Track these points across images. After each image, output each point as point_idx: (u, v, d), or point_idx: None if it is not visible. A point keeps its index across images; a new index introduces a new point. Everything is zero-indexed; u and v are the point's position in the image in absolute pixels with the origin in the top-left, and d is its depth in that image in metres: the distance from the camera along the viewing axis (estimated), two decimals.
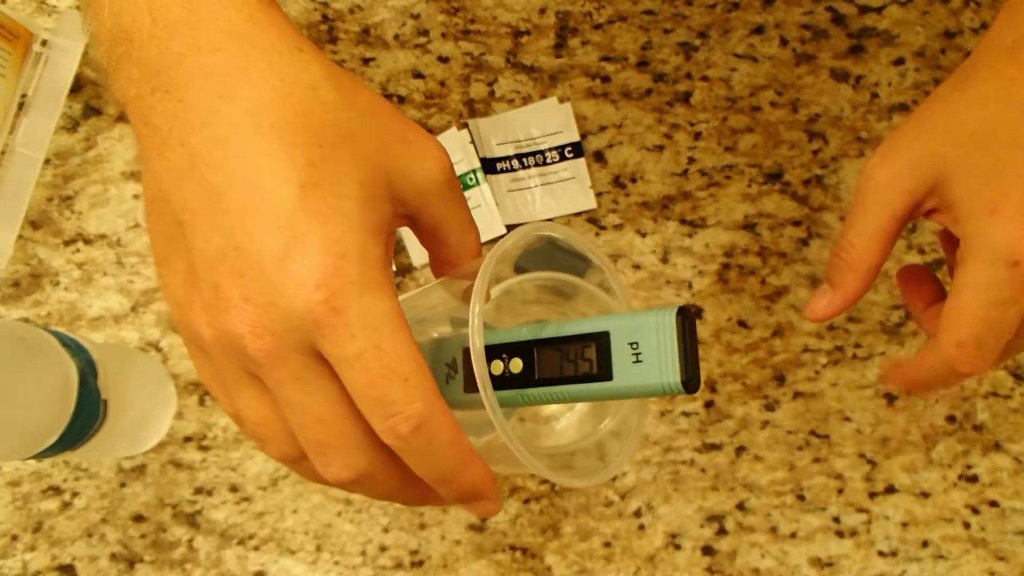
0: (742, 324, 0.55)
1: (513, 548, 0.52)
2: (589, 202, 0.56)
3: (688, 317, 0.26)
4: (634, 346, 0.26)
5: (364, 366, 0.24)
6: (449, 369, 0.30)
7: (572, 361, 0.27)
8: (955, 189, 0.31)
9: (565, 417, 0.52)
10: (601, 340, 0.27)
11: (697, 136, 0.57)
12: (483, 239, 0.55)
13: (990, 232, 0.29)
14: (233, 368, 0.26)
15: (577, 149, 0.57)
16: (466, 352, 0.29)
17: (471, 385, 0.27)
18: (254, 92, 0.24)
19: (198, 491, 0.53)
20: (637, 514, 0.53)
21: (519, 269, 0.55)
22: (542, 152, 0.57)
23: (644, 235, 0.56)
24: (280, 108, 0.24)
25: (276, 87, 0.25)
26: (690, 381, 0.26)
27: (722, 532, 0.53)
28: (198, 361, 0.28)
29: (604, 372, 0.27)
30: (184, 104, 0.24)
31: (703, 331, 0.55)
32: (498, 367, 0.29)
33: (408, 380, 0.24)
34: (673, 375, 0.26)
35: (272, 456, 0.28)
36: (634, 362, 0.26)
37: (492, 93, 0.58)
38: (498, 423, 0.26)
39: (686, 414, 0.54)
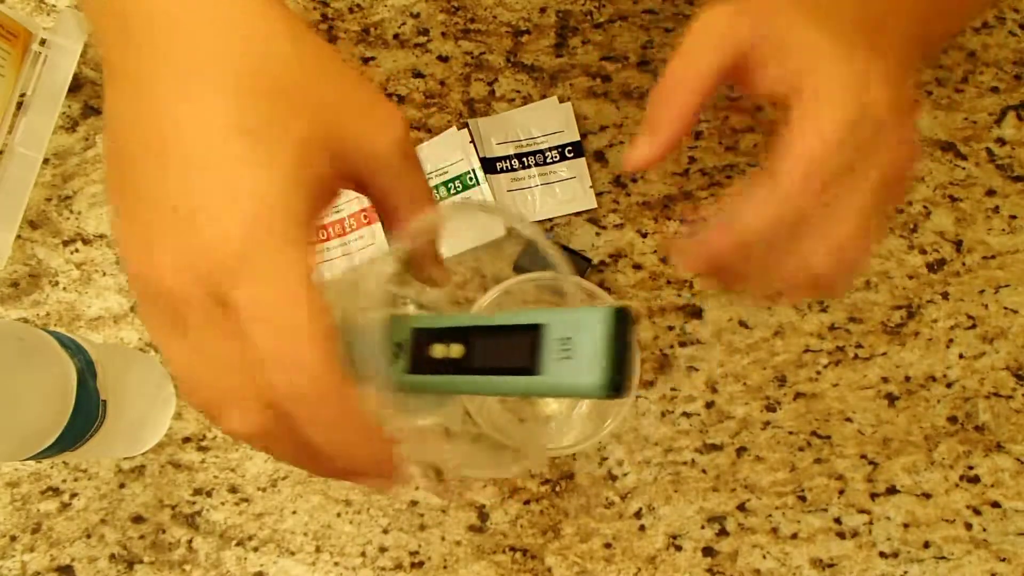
0: (743, 324, 0.55)
1: (513, 549, 0.52)
2: (589, 202, 0.56)
3: (624, 319, 0.25)
4: (566, 342, 0.25)
5: (264, 321, 0.24)
6: (398, 349, 0.29)
7: (505, 352, 0.26)
8: (793, 37, 0.30)
9: (567, 417, 0.52)
10: (535, 333, 0.26)
11: (698, 136, 0.57)
12: (483, 240, 0.55)
13: (839, 73, 0.29)
14: (159, 310, 0.25)
15: (577, 149, 0.57)
16: (413, 333, 0.28)
17: (416, 368, 0.27)
18: (215, 42, 0.25)
19: (197, 492, 0.53)
20: (638, 515, 0.53)
21: (518, 268, 0.54)
22: (542, 152, 0.57)
23: (645, 235, 0.56)
24: (239, 58, 0.25)
25: (237, 39, 0.25)
26: (612, 384, 0.24)
27: (723, 533, 0.53)
28: (140, 307, 0.27)
29: (533, 366, 0.26)
30: (151, 48, 0.25)
31: (704, 331, 0.55)
32: (440, 351, 0.28)
33: (303, 344, 0.24)
34: (595, 376, 0.24)
35: (193, 407, 0.27)
36: (563, 359, 0.25)
37: (492, 92, 0.57)
38: (383, 392, 0.25)
39: (687, 415, 0.54)
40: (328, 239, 0.56)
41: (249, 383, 0.24)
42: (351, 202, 0.56)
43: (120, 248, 0.27)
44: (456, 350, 0.27)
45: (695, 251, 0.30)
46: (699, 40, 0.31)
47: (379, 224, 0.55)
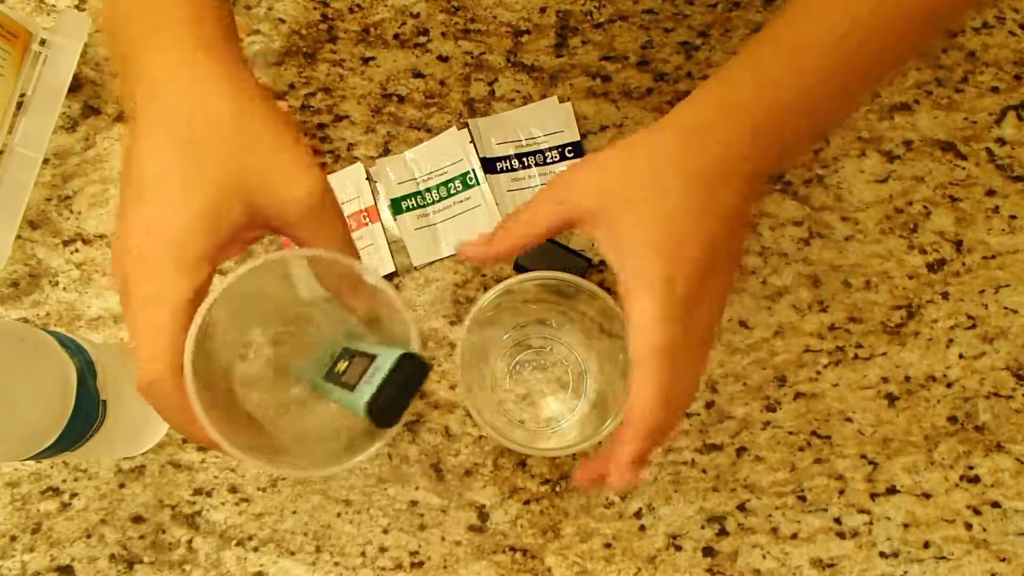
0: (743, 324, 0.55)
1: (513, 549, 0.52)
2: None
3: (409, 363, 0.31)
4: (377, 370, 0.31)
5: (132, 321, 0.31)
6: (331, 360, 0.35)
7: (356, 372, 0.32)
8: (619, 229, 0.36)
9: (566, 420, 0.52)
10: (370, 360, 0.32)
11: None
12: None
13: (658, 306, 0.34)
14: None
15: (577, 149, 0.57)
16: (343, 350, 0.35)
17: (327, 375, 0.34)
18: (172, 99, 0.32)
19: (197, 492, 0.53)
20: (638, 515, 0.53)
21: (519, 268, 0.54)
22: (542, 152, 0.57)
23: None
24: (184, 114, 0.32)
25: (188, 98, 0.32)
26: (373, 408, 0.30)
27: (723, 533, 0.53)
28: None
29: (355, 386, 0.31)
30: (140, 99, 0.33)
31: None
32: (341, 366, 0.34)
33: (149, 350, 0.30)
34: (365, 398, 0.30)
35: None
36: (365, 383, 0.31)
37: (492, 92, 0.57)
38: (196, 408, 0.30)
39: (687, 415, 0.54)
40: None
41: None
42: (351, 202, 0.56)
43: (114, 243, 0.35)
44: (342, 366, 0.33)
45: (616, 485, 0.36)
46: (545, 195, 0.37)
47: (379, 224, 0.56)
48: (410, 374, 0.31)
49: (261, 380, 0.36)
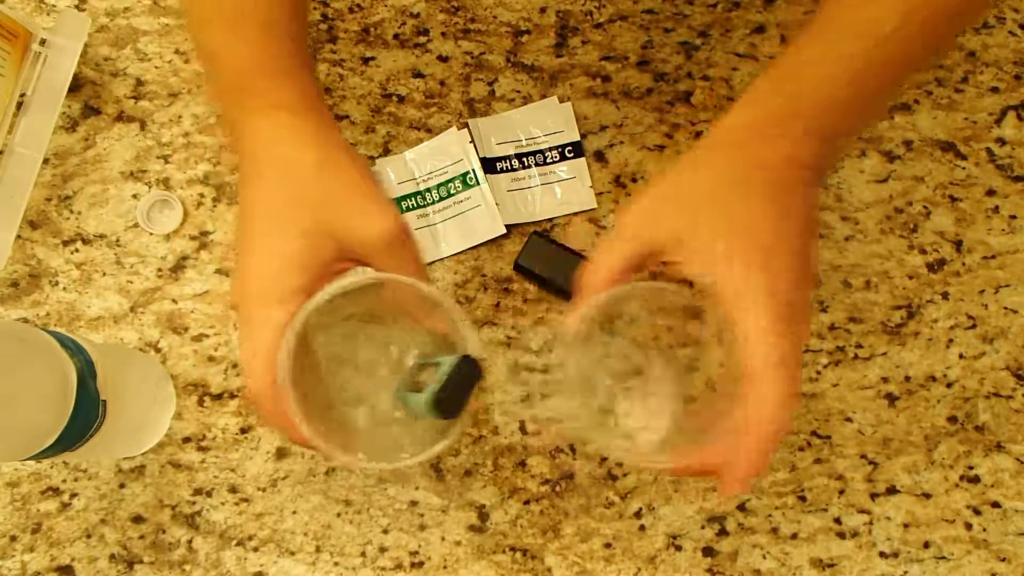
0: None
1: (513, 549, 0.52)
2: (590, 202, 0.56)
3: (465, 364, 0.36)
4: (439, 373, 0.36)
5: (241, 344, 0.37)
6: (415, 372, 0.40)
7: (423, 380, 0.37)
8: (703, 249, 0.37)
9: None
10: (434, 367, 0.37)
11: (698, 136, 0.57)
12: (482, 239, 0.55)
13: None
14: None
15: (577, 149, 0.57)
16: (417, 365, 0.40)
17: (409, 387, 0.38)
18: (271, 159, 0.38)
19: (197, 492, 0.53)
20: (638, 515, 0.53)
21: (519, 268, 0.54)
22: (542, 152, 0.57)
23: None
24: (278, 173, 0.38)
25: (283, 159, 0.38)
26: (439, 404, 0.35)
27: (723, 533, 0.53)
28: None
29: (421, 388, 0.36)
30: (246, 166, 0.39)
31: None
32: (421, 377, 0.38)
33: (252, 366, 0.36)
34: (428, 395, 0.35)
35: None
36: (431, 384, 0.35)
37: (492, 92, 0.57)
38: (292, 412, 0.35)
39: None
40: None
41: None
42: None
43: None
44: (415, 376, 0.38)
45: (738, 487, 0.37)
46: (615, 238, 0.39)
47: None
48: (467, 373, 0.36)
49: (350, 388, 0.40)
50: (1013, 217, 0.56)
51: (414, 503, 0.53)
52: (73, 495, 0.52)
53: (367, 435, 0.39)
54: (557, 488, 0.53)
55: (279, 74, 0.38)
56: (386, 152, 0.57)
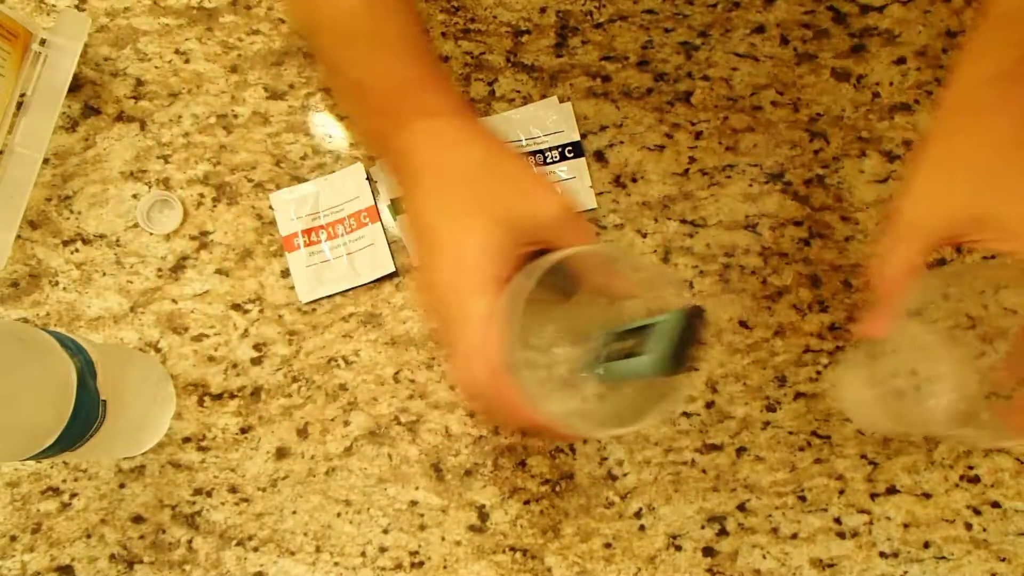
0: (743, 324, 0.55)
1: (513, 549, 0.52)
2: (590, 202, 0.56)
3: (690, 317, 0.36)
4: (659, 334, 0.36)
5: (454, 341, 0.37)
6: (602, 346, 0.41)
7: (636, 344, 0.37)
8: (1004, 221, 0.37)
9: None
10: (649, 328, 0.37)
11: (698, 136, 0.57)
12: None
13: None
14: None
15: (577, 149, 0.57)
16: (607, 335, 0.41)
17: (606, 358, 0.40)
18: (440, 164, 0.39)
19: (197, 492, 0.53)
20: (638, 515, 0.53)
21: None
22: (542, 151, 0.57)
23: (645, 235, 0.56)
24: (450, 174, 0.39)
25: (452, 161, 0.39)
26: (670, 360, 0.35)
27: (723, 533, 0.53)
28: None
29: (644, 351, 0.36)
30: (413, 172, 0.40)
31: (704, 331, 0.55)
32: (618, 346, 0.39)
33: (471, 358, 0.36)
34: (661, 354, 0.35)
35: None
36: (655, 343, 0.36)
37: (492, 92, 0.57)
38: (522, 384, 0.36)
39: (687, 415, 0.54)
40: (330, 238, 0.56)
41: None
42: (352, 202, 0.56)
43: (416, 286, 0.46)
44: (625, 345, 0.39)
45: None
46: (898, 234, 0.38)
47: (379, 224, 0.56)
48: (694, 324, 0.36)
49: (556, 368, 0.42)
50: None
51: (414, 503, 0.53)
52: (73, 495, 0.52)
53: (586, 405, 0.40)
54: (557, 488, 0.53)
55: (430, 84, 0.40)
56: None
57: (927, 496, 0.53)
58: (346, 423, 0.54)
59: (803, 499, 0.53)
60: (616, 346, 0.39)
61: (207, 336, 0.54)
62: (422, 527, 0.52)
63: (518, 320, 0.36)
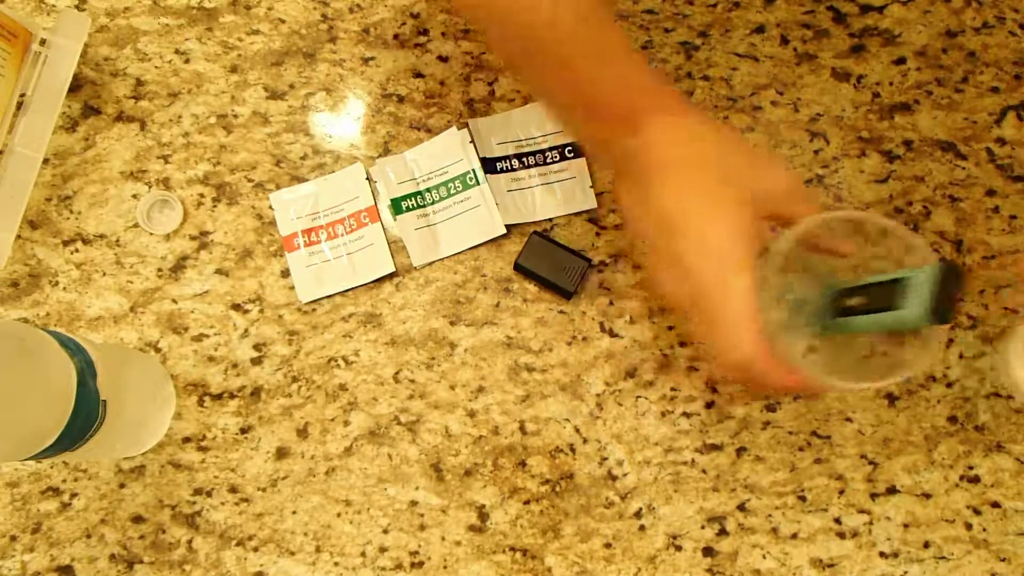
0: None
1: (513, 549, 0.52)
2: (589, 202, 0.56)
3: (948, 271, 0.38)
4: (916, 288, 0.39)
5: (714, 321, 0.40)
6: (829, 304, 0.45)
7: (883, 298, 0.41)
8: None
9: None
10: (898, 284, 0.40)
11: None
12: (482, 239, 0.55)
13: None
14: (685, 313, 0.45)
15: (577, 149, 0.57)
16: (837, 293, 0.45)
17: (837, 314, 0.44)
18: (681, 162, 0.42)
19: (197, 492, 0.53)
20: (638, 515, 0.53)
21: (519, 268, 0.54)
22: (542, 152, 0.57)
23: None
24: (693, 160, 0.42)
25: (693, 155, 0.42)
26: (934, 314, 0.38)
27: (723, 533, 0.53)
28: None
29: (895, 305, 0.40)
30: (657, 169, 0.42)
31: None
32: (850, 302, 0.43)
33: (733, 335, 0.39)
34: (923, 308, 0.38)
35: None
36: (913, 297, 0.39)
37: (492, 92, 0.57)
38: (788, 351, 0.40)
39: (687, 415, 0.54)
40: (330, 238, 0.56)
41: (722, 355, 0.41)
42: (352, 202, 0.56)
43: (652, 280, 0.47)
44: (858, 301, 0.43)
45: None
46: None
47: (379, 224, 0.56)
48: (952, 276, 0.38)
49: (808, 326, 0.46)
50: (1013, 217, 0.56)
51: (414, 503, 0.53)
52: (73, 495, 0.52)
53: (842, 362, 0.45)
54: (557, 488, 0.53)
55: (658, 88, 0.43)
56: (386, 152, 0.57)
57: (927, 496, 0.53)
58: (346, 423, 0.54)
59: (803, 499, 0.53)
60: (855, 301, 0.43)
61: (207, 336, 0.54)
62: (422, 527, 0.52)
63: (774, 284, 0.40)
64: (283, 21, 0.58)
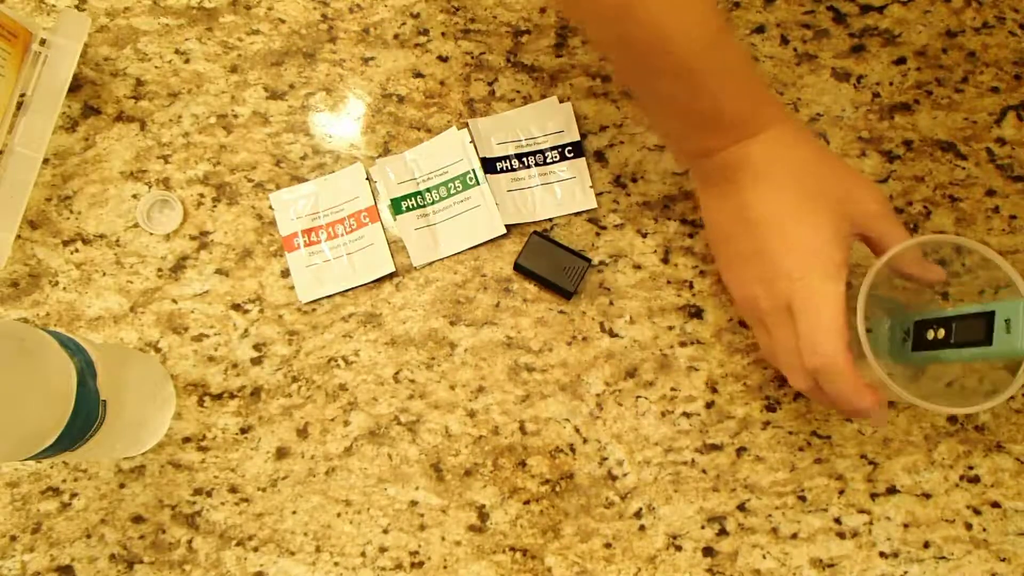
0: (743, 324, 0.55)
1: (513, 549, 0.52)
2: (590, 202, 0.56)
3: None
4: (1008, 322, 0.39)
5: (806, 322, 0.41)
6: (904, 335, 0.46)
7: (970, 331, 0.41)
8: None
9: None
10: (988, 317, 0.40)
11: None
12: (482, 239, 0.55)
13: None
14: (756, 318, 0.47)
15: (577, 149, 0.57)
16: (914, 324, 0.45)
17: (916, 346, 0.44)
18: (775, 165, 0.44)
19: (197, 492, 0.53)
20: (638, 515, 0.53)
21: (519, 268, 0.54)
22: (542, 152, 0.57)
23: (645, 235, 0.56)
24: (787, 173, 0.44)
25: (785, 162, 0.44)
26: None
27: (723, 533, 0.53)
28: (746, 318, 0.52)
29: (987, 339, 0.40)
30: (742, 175, 0.45)
31: (704, 331, 0.55)
32: (931, 334, 0.43)
33: (824, 338, 0.40)
34: (1020, 343, 0.38)
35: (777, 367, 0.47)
36: (1005, 332, 0.39)
37: (492, 92, 0.57)
38: (874, 365, 0.40)
39: (687, 415, 0.54)
40: (330, 238, 0.56)
41: (799, 359, 0.42)
42: (351, 202, 0.56)
43: (727, 284, 0.49)
44: (940, 333, 0.43)
45: None
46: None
47: (379, 224, 0.56)
48: None
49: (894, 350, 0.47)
50: (1013, 217, 0.56)
51: (414, 503, 0.53)
52: (73, 495, 0.52)
53: (925, 389, 0.46)
54: (557, 488, 0.53)
55: (762, 100, 0.45)
56: (386, 152, 0.57)
57: (927, 496, 0.53)
58: (346, 423, 0.54)
59: (803, 499, 0.53)
60: (937, 333, 0.43)
61: (207, 336, 0.54)
62: (422, 527, 0.52)
63: (864, 302, 0.41)
64: (283, 21, 0.58)
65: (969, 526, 0.53)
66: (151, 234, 0.55)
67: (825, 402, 0.46)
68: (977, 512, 0.53)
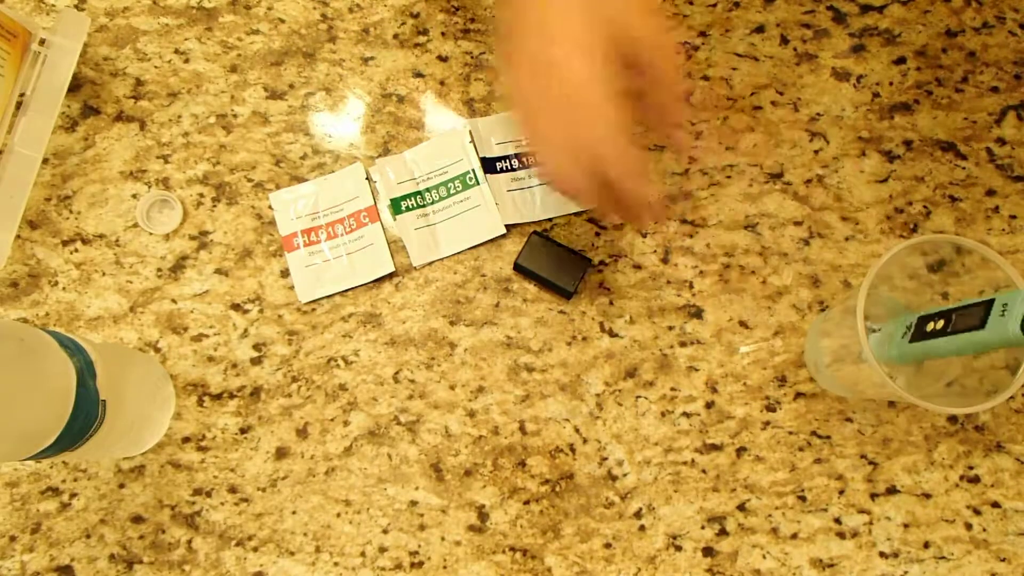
0: (743, 324, 0.55)
1: (513, 549, 0.52)
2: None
3: None
4: (1005, 307, 0.39)
5: (582, 108, 0.41)
6: (906, 330, 0.46)
7: (967, 318, 0.41)
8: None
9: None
10: (986, 304, 0.41)
11: (698, 135, 0.57)
12: (482, 239, 0.55)
13: None
14: (523, 103, 0.43)
15: None
16: (918, 319, 0.46)
17: (915, 339, 0.45)
18: None
19: (197, 492, 0.53)
20: (638, 515, 0.53)
21: (518, 267, 0.54)
22: None
23: (645, 235, 0.56)
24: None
25: None
26: None
27: (723, 533, 0.53)
28: (513, 102, 0.45)
29: (982, 325, 0.40)
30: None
31: (704, 331, 0.55)
32: (931, 326, 0.44)
33: (620, 143, 0.40)
34: (1015, 327, 0.38)
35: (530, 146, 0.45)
36: (999, 316, 0.39)
37: (492, 92, 0.57)
38: (874, 365, 0.41)
39: (687, 415, 0.54)
40: (330, 238, 0.56)
41: (575, 149, 0.41)
42: (351, 202, 0.56)
43: (507, 78, 0.44)
44: (939, 324, 0.44)
45: None
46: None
47: (379, 224, 0.55)
48: None
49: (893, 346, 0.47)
50: (1013, 217, 0.56)
51: (414, 503, 0.53)
52: (73, 495, 0.52)
53: (926, 389, 0.47)
54: (557, 488, 0.53)
55: None
56: (386, 152, 0.57)
57: (927, 496, 0.53)
58: (346, 423, 0.54)
59: (803, 499, 0.53)
60: (936, 325, 0.44)
61: (207, 336, 0.54)
62: (422, 527, 0.52)
63: (864, 302, 0.42)
64: (283, 21, 0.58)
65: (969, 526, 0.53)
66: (151, 234, 0.55)
67: (604, 200, 0.45)
68: (977, 512, 0.53)
